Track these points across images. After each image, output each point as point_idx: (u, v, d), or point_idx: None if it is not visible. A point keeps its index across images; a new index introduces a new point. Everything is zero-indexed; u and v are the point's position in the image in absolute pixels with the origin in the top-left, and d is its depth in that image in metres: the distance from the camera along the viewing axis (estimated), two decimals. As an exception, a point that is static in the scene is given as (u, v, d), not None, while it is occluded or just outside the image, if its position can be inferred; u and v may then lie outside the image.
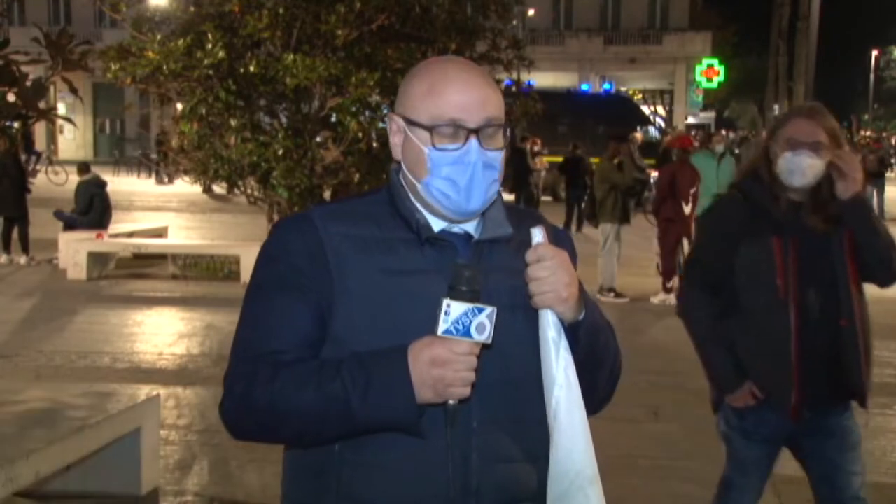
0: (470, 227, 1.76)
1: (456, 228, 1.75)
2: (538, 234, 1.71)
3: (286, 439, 1.74)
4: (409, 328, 1.63)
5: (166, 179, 25.50)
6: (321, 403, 1.60)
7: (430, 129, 1.69)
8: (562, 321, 1.70)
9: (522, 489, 1.72)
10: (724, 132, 48.89)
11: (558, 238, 1.82)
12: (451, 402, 1.61)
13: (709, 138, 13.47)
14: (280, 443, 1.78)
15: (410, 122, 1.72)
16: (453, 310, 1.57)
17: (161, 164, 12.60)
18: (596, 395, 1.79)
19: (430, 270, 1.69)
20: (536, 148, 19.15)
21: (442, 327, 1.57)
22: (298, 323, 1.68)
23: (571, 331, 1.71)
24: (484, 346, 1.60)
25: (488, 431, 1.68)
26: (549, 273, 1.66)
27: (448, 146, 1.69)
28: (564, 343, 1.69)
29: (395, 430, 1.62)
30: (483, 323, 1.58)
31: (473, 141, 1.68)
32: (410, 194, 1.75)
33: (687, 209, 10.45)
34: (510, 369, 1.70)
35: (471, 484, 1.66)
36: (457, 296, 1.58)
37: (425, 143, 1.70)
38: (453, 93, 1.69)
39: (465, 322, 1.57)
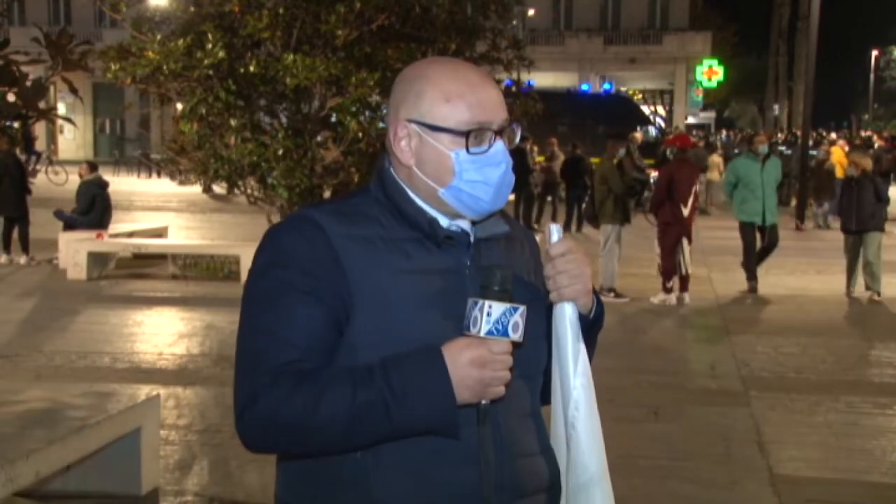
0: (466, 224, 1.76)
1: (454, 227, 1.74)
2: (557, 231, 1.75)
3: (314, 450, 1.65)
4: (422, 328, 1.62)
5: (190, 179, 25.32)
6: (357, 412, 1.56)
7: (466, 133, 1.67)
8: (579, 313, 1.74)
9: (539, 482, 1.74)
10: (724, 131, 48.85)
11: (526, 234, 1.89)
12: (483, 401, 1.62)
13: (751, 139, 12.37)
14: (304, 453, 1.70)
15: (432, 128, 1.69)
16: (494, 310, 1.58)
17: (162, 163, 12.56)
18: None
19: (440, 270, 1.69)
20: (538, 150, 19.13)
21: (485, 328, 1.57)
22: (315, 330, 1.62)
23: (593, 322, 1.77)
24: (514, 345, 1.62)
25: (511, 427, 1.70)
26: (574, 266, 1.71)
27: (477, 149, 1.69)
28: (580, 335, 1.74)
29: (432, 433, 1.61)
30: (517, 322, 1.60)
31: (500, 142, 1.70)
32: (417, 195, 1.73)
33: (686, 210, 10.43)
34: (522, 365, 1.71)
35: (501, 480, 1.67)
36: (491, 296, 1.59)
37: (450, 147, 1.68)
38: (474, 95, 1.69)
39: (503, 322, 1.58)
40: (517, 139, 1.78)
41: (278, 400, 1.57)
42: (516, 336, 1.60)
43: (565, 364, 1.72)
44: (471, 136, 1.68)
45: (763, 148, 11.35)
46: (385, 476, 1.63)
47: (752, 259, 11.24)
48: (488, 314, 1.57)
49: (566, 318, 1.72)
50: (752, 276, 11.18)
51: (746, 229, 11.22)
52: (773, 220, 11.23)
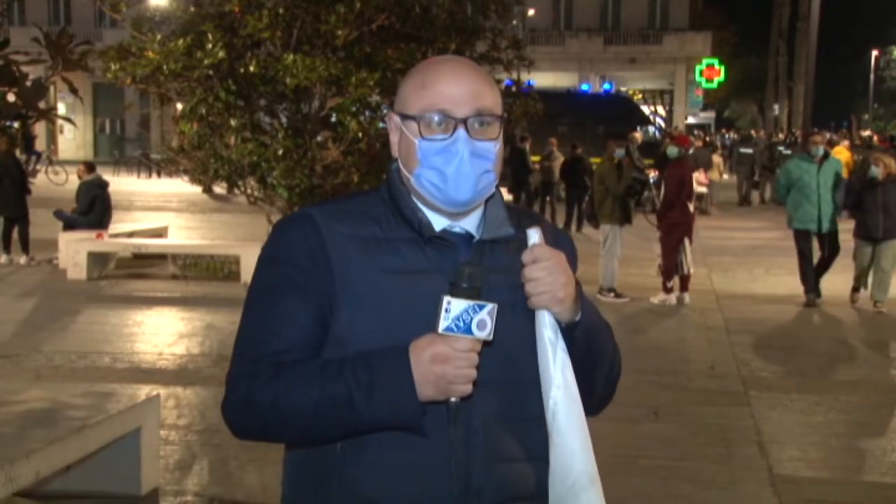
0: (471, 226, 1.76)
1: (457, 228, 1.75)
2: (534, 235, 1.71)
3: (289, 439, 1.75)
4: (411, 328, 1.63)
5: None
6: (324, 403, 1.61)
7: (419, 119, 1.71)
8: (558, 322, 1.70)
9: (523, 489, 1.72)
10: (724, 131, 48.73)
11: (558, 239, 1.82)
12: (453, 399, 1.62)
13: (806, 139, 11.16)
14: (282, 442, 1.78)
15: (404, 117, 1.74)
16: (454, 307, 1.57)
17: (162, 163, 12.56)
18: (594, 396, 1.80)
19: (433, 270, 1.69)
20: (531, 150, 19.12)
21: (443, 325, 1.57)
22: (301, 323, 1.68)
23: (568, 332, 1.72)
24: (485, 344, 1.61)
25: (489, 430, 1.69)
26: (545, 274, 1.67)
27: (435, 136, 1.70)
28: (561, 343, 1.70)
29: (398, 429, 1.63)
30: (484, 320, 1.58)
31: (461, 130, 1.69)
32: (410, 192, 1.76)
33: (691, 206, 10.45)
34: (511, 368, 1.70)
35: (473, 483, 1.66)
36: (457, 293, 1.59)
37: (415, 134, 1.72)
38: (443, 85, 1.71)
39: (465, 319, 1.58)
40: (494, 133, 1.73)
41: (255, 387, 1.65)
42: (482, 334, 1.58)
43: (545, 372, 1.70)
44: (422, 121, 1.70)
45: (818, 149, 10.35)
46: (362, 471, 1.67)
47: (809, 270, 10.31)
48: (447, 311, 1.57)
49: (541, 326, 1.70)
50: (809, 289, 10.27)
51: (801, 237, 10.34)
52: (830, 227, 10.23)
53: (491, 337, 1.59)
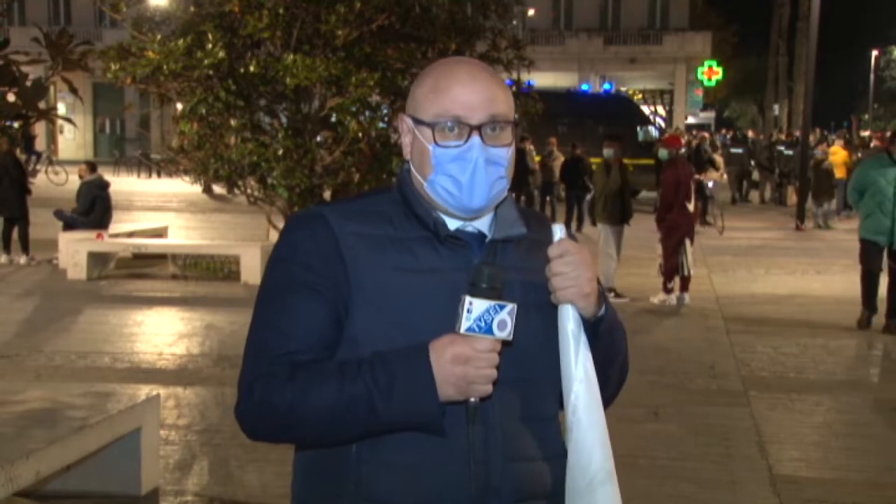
0: (483, 226, 1.76)
1: (469, 227, 1.75)
2: (559, 231, 1.72)
3: (305, 440, 1.72)
4: (426, 327, 1.63)
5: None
6: (343, 404, 1.59)
7: (433, 125, 1.69)
8: (582, 317, 1.71)
9: (539, 487, 1.72)
10: (723, 130, 48.75)
11: None
12: (472, 399, 1.61)
13: (893, 139, 9.20)
14: (298, 443, 1.76)
15: (417, 122, 1.73)
16: (475, 307, 1.57)
17: (162, 163, 12.58)
18: (606, 391, 1.80)
19: (446, 269, 1.69)
20: (535, 150, 19.12)
21: (464, 325, 1.57)
22: (314, 323, 1.66)
23: (593, 326, 1.73)
24: (504, 343, 1.61)
25: (507, 429, 1.69)
26: (572, 268, 1.68)
27: (450, 143, 1.69)
28: (584, 339, 1.71)
29: (417, 430, 1.62)
30: (504, 320, 1.58)
31: (475, 137, 1.69)
32: (421, 194, 1.75)
33: (690, 206, 10.45)
34: (525, 367, 1.70)
35: (491, 482, 1.66)
36: (478, 293, 1.58)
37: (429, 140, 1.71)
38: (457, 90, 1.70)
39: (487, 319, 1.58)
40: (507, 139, 1.74)
41: (271, 389, 1.62)
42: (503, 334, 1.58)
43: (566, 367, 1.71)
44: (436, 127, 1.69)
45: None
46: (379, 472, 1.66)
47: (872, 286, 8.96)
48: (469, 311, 1.57)
49: (565, 320, 1.71)
50: (867, 306, 8.97)
51: (867, 249, 8.92)
52: None
53: (511, 337, 1.59)
